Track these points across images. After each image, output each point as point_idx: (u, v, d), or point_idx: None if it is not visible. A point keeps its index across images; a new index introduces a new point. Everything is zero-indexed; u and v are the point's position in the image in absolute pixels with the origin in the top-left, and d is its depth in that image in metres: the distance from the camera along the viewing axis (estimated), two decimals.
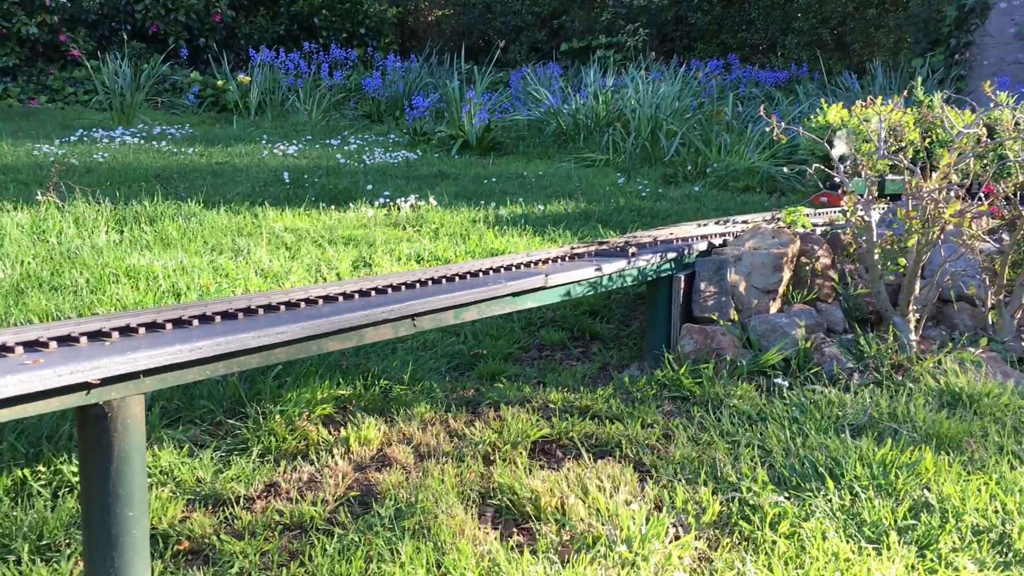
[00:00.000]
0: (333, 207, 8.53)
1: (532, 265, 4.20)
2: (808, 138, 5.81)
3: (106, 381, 2.36)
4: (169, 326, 2.67)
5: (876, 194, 6.17)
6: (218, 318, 2.80)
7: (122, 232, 6.98)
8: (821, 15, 21.85)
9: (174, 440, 3.86)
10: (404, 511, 3.28)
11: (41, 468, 3.49)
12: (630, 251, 4.58)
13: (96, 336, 2.53)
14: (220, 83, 16.21)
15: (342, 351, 5.09)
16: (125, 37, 16.56)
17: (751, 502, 3.51)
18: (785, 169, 8.75)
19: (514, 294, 3.80)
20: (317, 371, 4.61)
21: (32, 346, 2.39)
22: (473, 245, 7.35)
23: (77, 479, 3.42)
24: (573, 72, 18.83)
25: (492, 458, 3.84)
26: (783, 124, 5.35)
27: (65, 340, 2.46)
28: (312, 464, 3.76)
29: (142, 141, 11.84)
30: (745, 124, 13.18)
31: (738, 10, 23.15)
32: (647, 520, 3.27)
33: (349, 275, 6.56)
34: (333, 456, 3.81)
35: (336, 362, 4.88)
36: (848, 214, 5.25)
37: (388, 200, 8.92)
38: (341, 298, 3.21)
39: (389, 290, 3.38)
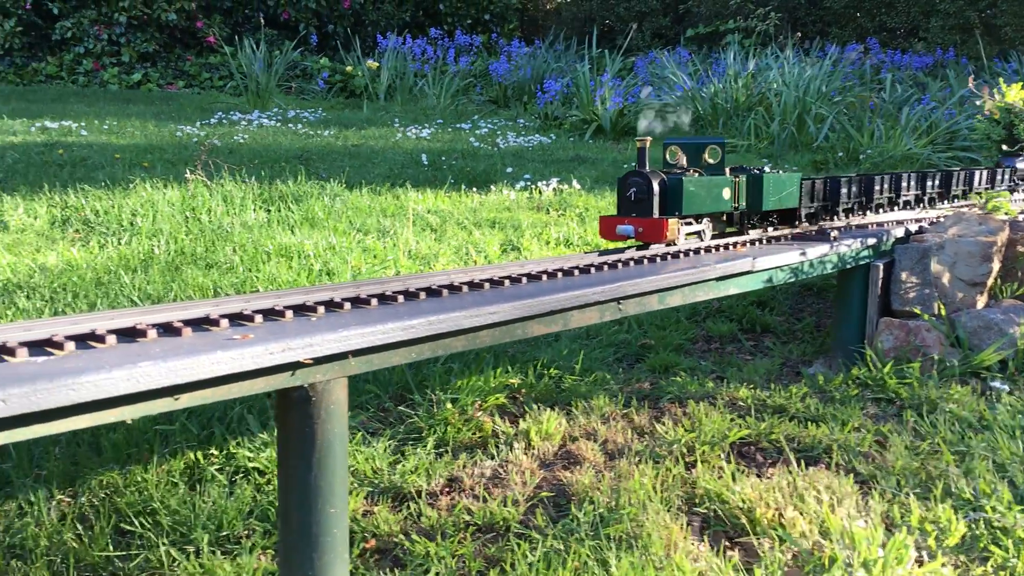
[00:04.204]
0: (473, 189, 8.27)
1: (730, 248, 3.80)
2: (1006, 105, 5.20)
3: (317, 361, 2.09)
4: (374, 302, 2.39)
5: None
6: (422, 294, 2.50)
7: (269, 211, 6.88)
8: None
9: None
10: (607, 517, 2.93)
11: (213, 451, 3.29)
12: (831, 235, 4.12)
13: (300, 310, 2.26)
14: (349, 69, 16.23)
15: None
16: (263, 22, 16.77)
17: (997, 524, 3.03)
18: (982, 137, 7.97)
19: (719, 278, 3.40)
20: (486, 358, 4.32)
21: (236, 319, 2.14)
22: None
23: (251, 464, 3.21)
24: (701, 58, 18.19)
25: (690, 460, 3.46)
26: (985, 94, 4.78)
27: (269, 313, 2.20)
28: (493, 458, 3.46)
29: (278, 124, 11.88)
30: (899, 108, 12.35)
31: None
32: (884, 542, 2.84)
33: (498, 258, 6.28)
34: (514, 450, 3.51)
35: (503, 349, 4.58)
36: None
37: (529, 183, 8.62)
38: (544, 277, 2.88)
39: (592, 270, 3.04)
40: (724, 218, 4.09)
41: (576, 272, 3.00)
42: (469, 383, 3.96)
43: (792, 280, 3.97)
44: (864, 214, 4.96)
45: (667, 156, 4.06)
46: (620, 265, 3.18)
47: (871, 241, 4.47)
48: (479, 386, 3.96)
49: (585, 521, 2.91)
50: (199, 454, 3.24)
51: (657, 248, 3.48)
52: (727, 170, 3.97)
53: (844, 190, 4.67)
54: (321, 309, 2.25)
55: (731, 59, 13.36)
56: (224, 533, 2.85)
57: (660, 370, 4.68)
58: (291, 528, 2.26)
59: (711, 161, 3.98)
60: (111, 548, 2.74)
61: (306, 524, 2.24)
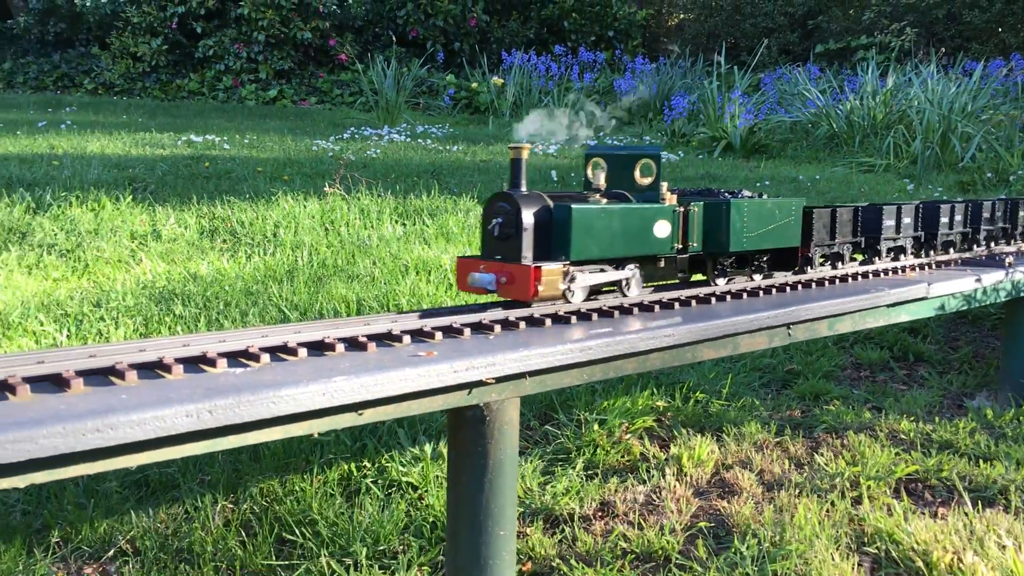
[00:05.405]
0: None
1: (899, 272, 3.60)
2: None
3: (496, 380, 2.06)
4: (548, 321, 2.34)
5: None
6: (594, 315, 2.44)
7: (404, 225, 6.97)
8: None
9: None
10: (772, 552, 2.80)
11: (366, 463, 3.31)
12: (1006, 260, 3.87)
13: (477, 328, 2.23)
14: (474, 85, 16.43)
15: None
16: (394, 40, 17.16)
17: None
18: None
19: (890, 305, 3.23)
20: (633, 380, 4.23)
21: (417, 335, 2.12)
22: None
23: (404, 479, 3.21)
24: (832, 73, 17.65)
25: (853, 495, 3.29)
26: None
27: (448, 331, 2.18)
28: (644, 483, 3.37)
29: (408, 139, 12.10)
30: None
31: (1023, 7, 20.98)
32: None
33: None
34: (665, 476, 3.40)
35: (649, 371, 4.48)
36: None
37: None
38: (713, 300, 2.78)
39: (760, 293, 2.92)
40: (663, 263, 2.79)
41: (745, 296, 2.89)
42: (616, 404, 3.88)
43: (964, 308, 3.75)
44: None
45: (588, 172, 2.90)
46: (788, 289, 3.05)
47: None
48: (626, 408, 3.87)
49: (748, 555, 2.79)
50: (353, 466, 3.26)
51: (823, 272, 3.27)
52: (669, 194, 2.80)
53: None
54: (498, 328, 2.22)
55: (868, 75, 12.89)
56: (381, 547, 2.85)
57: (810, 397, 4.49)
58: (460, 549, 2.23)
59: (643, 181, 2.83)
60: (273, 557, 2.77)
61: (475, 545, 2.20)
